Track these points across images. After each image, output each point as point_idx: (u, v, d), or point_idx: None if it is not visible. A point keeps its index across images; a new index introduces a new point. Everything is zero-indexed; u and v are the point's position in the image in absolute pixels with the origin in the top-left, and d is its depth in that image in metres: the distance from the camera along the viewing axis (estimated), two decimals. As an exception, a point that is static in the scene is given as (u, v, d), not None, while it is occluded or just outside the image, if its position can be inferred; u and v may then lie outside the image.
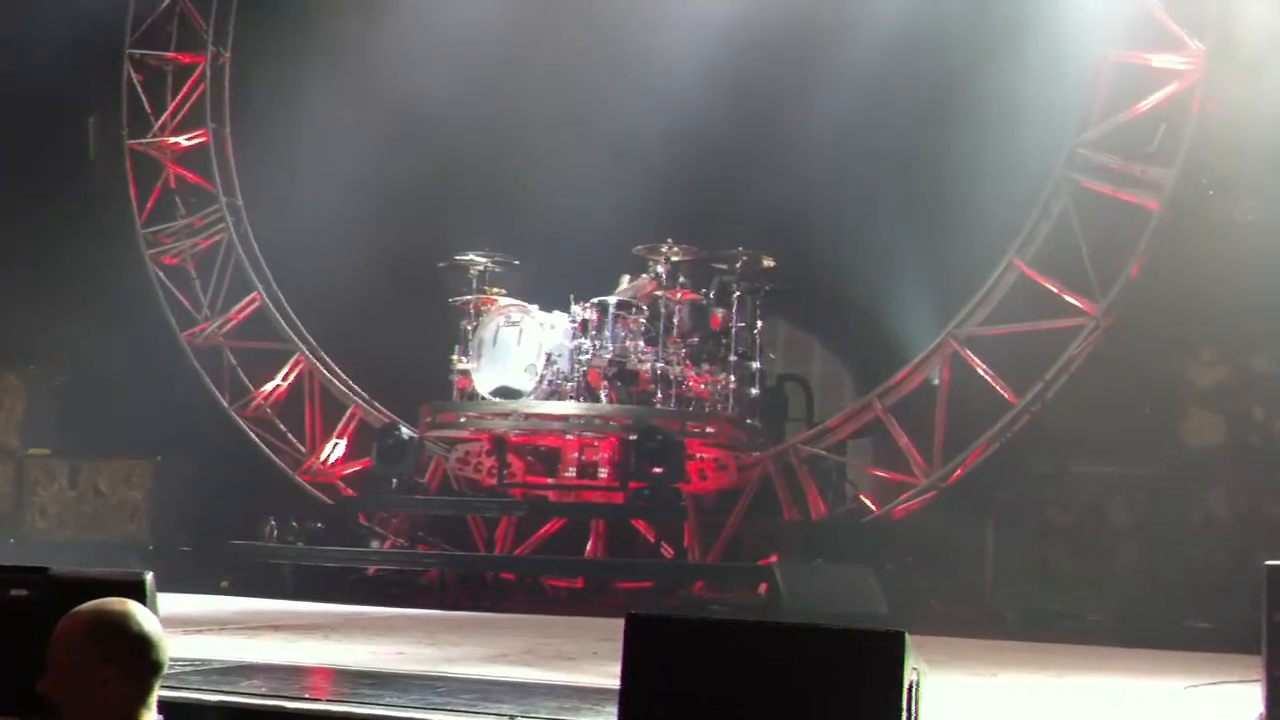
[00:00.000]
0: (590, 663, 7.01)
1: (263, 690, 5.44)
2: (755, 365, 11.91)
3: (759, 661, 3.69)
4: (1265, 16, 10.41)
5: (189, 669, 5.80)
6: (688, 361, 11.77)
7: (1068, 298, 10.95)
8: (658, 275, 11.73)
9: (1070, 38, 10.93)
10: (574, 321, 11.63)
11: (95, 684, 2.94)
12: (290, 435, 13.63)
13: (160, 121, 14.32)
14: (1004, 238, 11.27)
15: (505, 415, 11.64)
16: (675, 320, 11.71)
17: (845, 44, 12.03)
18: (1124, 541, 10.38)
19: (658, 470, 11.14)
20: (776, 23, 12.35)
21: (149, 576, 4.62)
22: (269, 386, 13.73)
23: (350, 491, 13.07)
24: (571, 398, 11.55)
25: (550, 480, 12.10)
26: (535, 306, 11.85)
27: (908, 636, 3.62)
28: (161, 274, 14.14)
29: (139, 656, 3.01)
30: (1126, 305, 10.79)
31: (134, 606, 3.08)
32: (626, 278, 12.12)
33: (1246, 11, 10.48)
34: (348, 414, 13.41)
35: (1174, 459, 10.46)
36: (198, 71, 14.27)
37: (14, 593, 4.73)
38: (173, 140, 14.27)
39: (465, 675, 6.36)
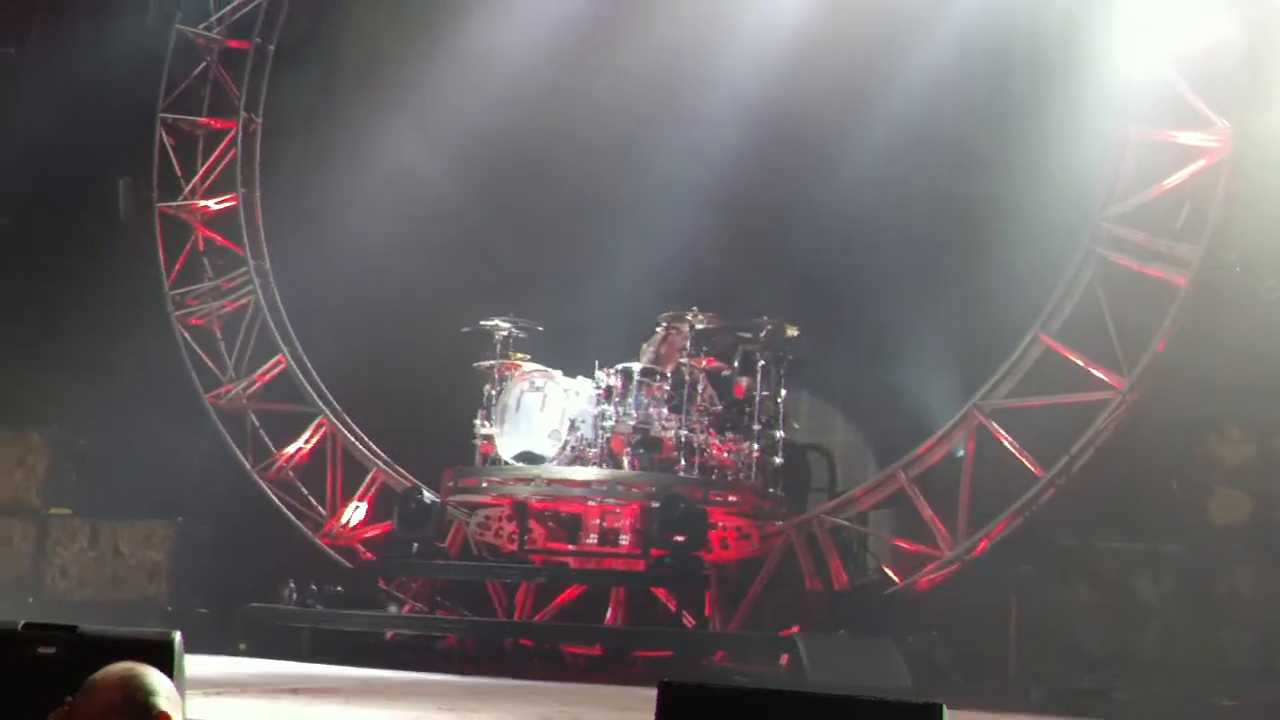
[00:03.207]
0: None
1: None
2: (779, 434, 11.88)
3: (792, 731, 3.64)
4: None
5: (211, 731, 5.76)
6: (711, 430, 11.76)
7: (1094, 371, 10.93)
8: (677, 335, 11.71)
9: (1096, 112, 10.98)
10: (598, 388, 11.64)
11: None
12: (311, 498, 13.63)
13: (191, 185, 14.45)
14: (1030, 311, 11.27)
15: (527, 481, 11.62)
16: (699, 388, 11.71)
17: (869, 119, 12.12)
18: (1150, 619, 10.28)
19: (680, 538, 11.10)
20: (801, 96, 12.46)
21: (177, 636, 4.61)
22: (291, 449, 13.75)
23: (370, 555, 13.04)
24: (594, 464, 11.54)
25: (571, 547, 12.06)
26: (559, 372, 11.87)
27: (945, 709, 3.58)
28: (188, 335, 14.21)
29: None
30: (1152, 381, 10.76)
31: (157, 675, 3.09)
32: (650, 346, 12.14)
33: (1274, 89, 10.52)
34: (369, 477, 13.41)
35: (1200, 537, 10.37)
36: (229, 136, 14.42)
37: (42, 650, 4.72)
38: (202, 204, 14.40)
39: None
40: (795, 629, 10.85)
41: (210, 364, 14.16)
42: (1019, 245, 11.25)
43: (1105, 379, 10.87)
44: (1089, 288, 11.00)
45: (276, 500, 13.57)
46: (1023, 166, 11.19)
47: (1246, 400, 10.44)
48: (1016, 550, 10.97)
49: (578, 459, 11.59)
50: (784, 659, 10.62)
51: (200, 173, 14.47)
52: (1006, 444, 11.16)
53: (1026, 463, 11.06)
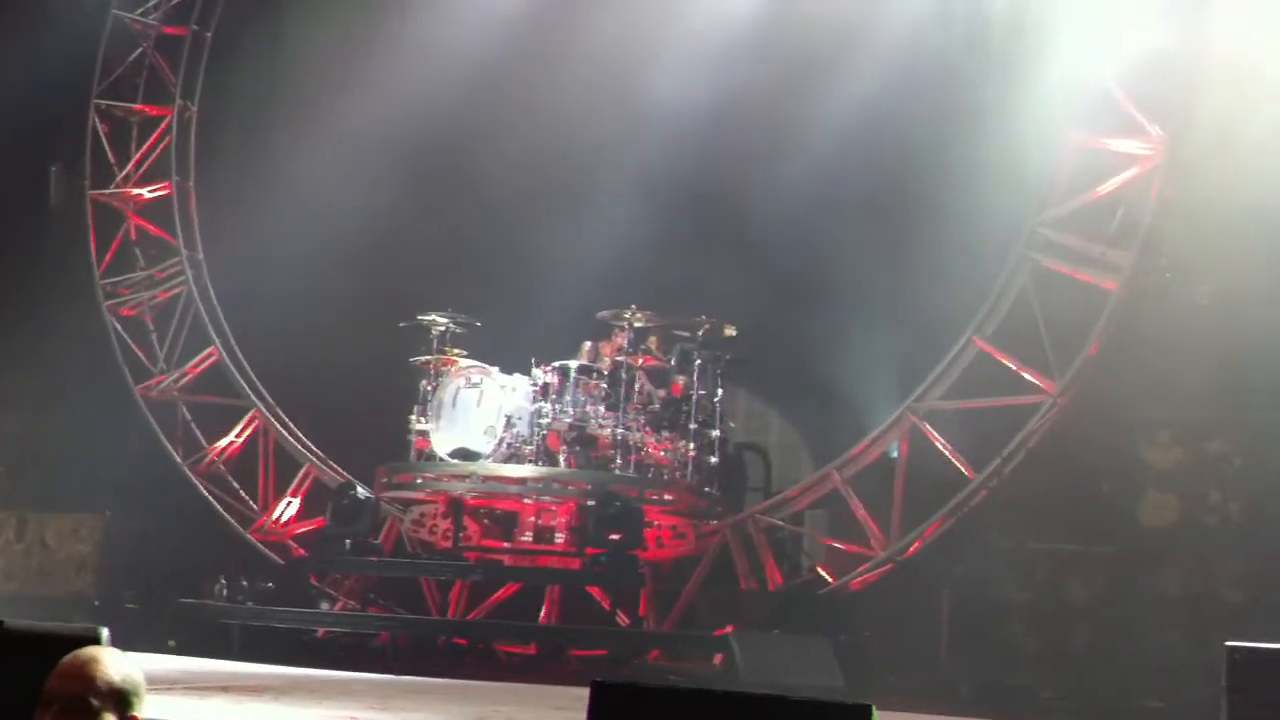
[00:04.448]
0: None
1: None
2: (715, 433, 11.90)
3: (726, 732, 3.64)
4: (1225, 104, 10.61)
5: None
6: (647, 428, 11.75)
7: (1026, 375, 11.03)
8: (616, 333, 11.71)
9: (1032, 117, 11.08)
10: (535, 385, 11.60)
11: None
12: (243, 493, 13.49)
13: (124, 172, 14.27)
14: (964, 314, 11.36)
15: (463, 477, 11.56)
16: (636, 386, 11.70)
17: (808, 121, 12.18)
18: (1080, 619, 10.41)
19: (615, 536, 11.09)
20: (741, 98, 12.50)
21: (105, 632, 4.55)
22: (223, 442, 13.60)
23: (302, 551, 12.93)
24: (530, 461, 11.50)
25: (506, 544, 12.02)
26: (496, 369, 11.82)
27: (875, 711, 3.59)
28: (118, 325, 14.03)
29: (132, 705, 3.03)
30: (1084, 384, 10.88)
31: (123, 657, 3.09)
32: (588, 343, 12.12)
33: (1206, 99, 10.67)
34: (302, 472, 13.29)
35: (1130, 539, 10.51)
36: (164, 124, 14.26)
37: (-35, 646, 4.63)
38: (135, 192, 14.21)
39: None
40: (730, 628, 10.87)
41: (141, 355, 13.98)
42: (954, 248, 11.35)
43: (1037, 382, 10.97)
44: (1022, 292, 11.11)
45: (207, 494, 13.43)
46: (959, 170, 11.28)
47: (1176, 404, 10.59)
48: (949, 551, 11.06)
49: (513, 456, 11.54)
50: (718, 658, 10.63)
51: (134, 160, 14.29)
52: (940, 445, 11.25)
53: (959, 464, 11.15)
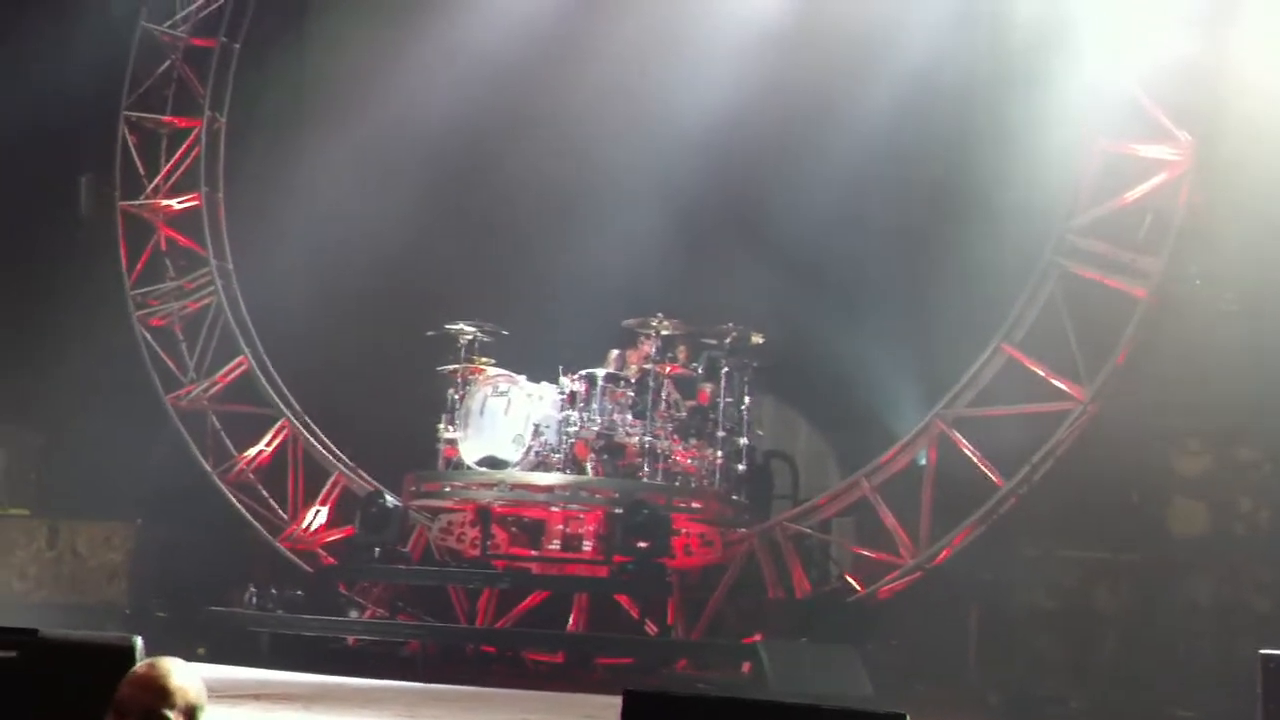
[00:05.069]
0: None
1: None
2: (742, 441, 11.89)
3: (758, 741, 3.65)
4: (1252, 110, 10.56)
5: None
6: (675, 436, 11.75)
7: (1055, 382, 10.99)
8: (643, 341, 11.72)
9: (1059, 124, 11.05)
10: (562, 393, 11.62)
11: None
12: (272, 501, 13.55)
13: (153, 184, 14.36)
14: (993, 321, 11.33)
15: (491, 486, 11.58)
16: (663, 394, 11.71)
17: (835, 129, 12.16)
18: (1109, 628, 10.36)
19: (643, 545, 11.09)
20: (768, 107, 12.49)
21: (138, 641, 4.58)
22: (252, 452, 13.66)
23: (331, 560, 12.98)
24: (558, 469, 11.52)
25: (534, 552, 12.03)
26: (523, 377, 11.84)
27: (909, 718, 3.59)
28: (148, 335, 14.11)
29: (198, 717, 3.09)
30: (1113, 392, 10.84)
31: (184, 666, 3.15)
32: (615, 351, 12.13)
33: (1234, 105, 10.62)
34: (331, 481, 13.34)
35: (1159, 547, 10.46)
36: (193, 135, 14.34)
37: (2, 654, 4.67)
38: (165, 203, 14.30)
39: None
40: (758, 637, 10.86)
41: (171, 365, 14.06)
42: (983, 256, 11.31)
43: (1066, 390, 10.93)
44: (1051, 299, 11.07)
45: (237, 503, 13.49)
46: (988, 177, 11.25)
47: (1205, 412, 10.54)
48: (977, 559, 11.03)
49: (541, 464, 11.56)
50: (746, 667, 10.62)
51: (163, 171, 14.37)
52: (968, 453, 11.22)
53: (988, 472, 11.12)
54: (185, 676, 3.09)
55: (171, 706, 3.04)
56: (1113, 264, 10.94)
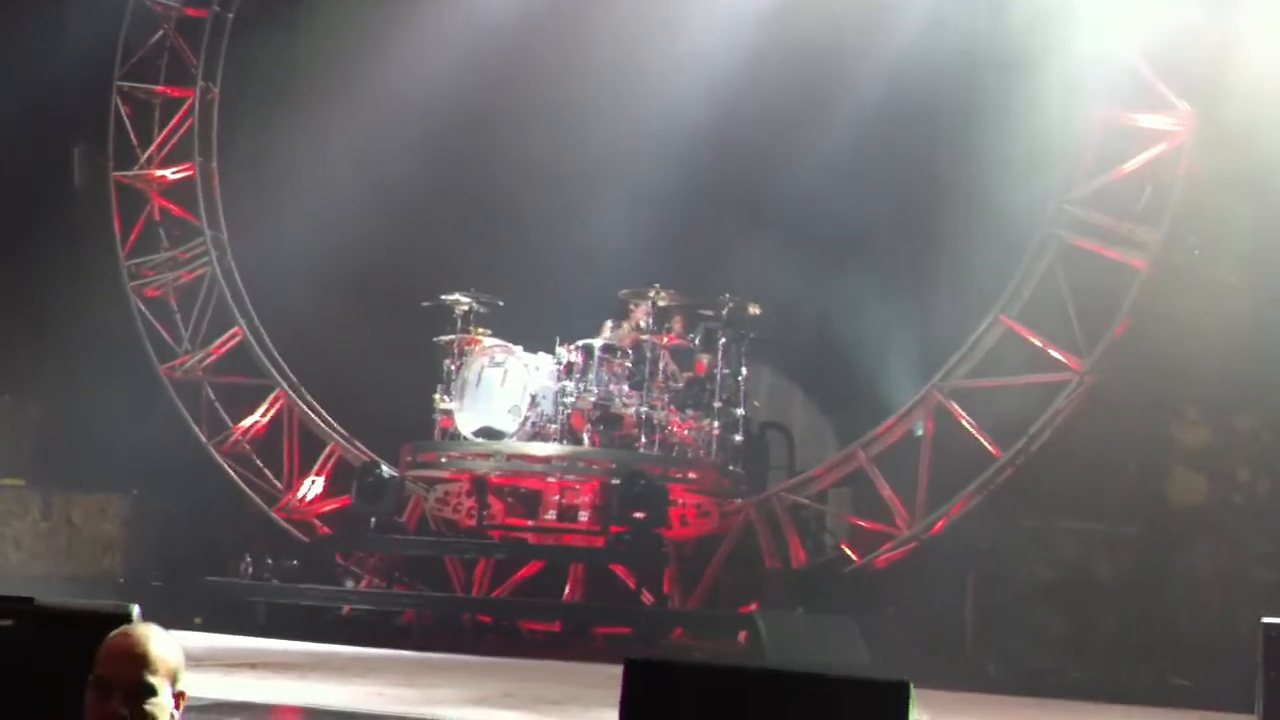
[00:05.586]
0: (576, 707, 6.92)
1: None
2: (739, 412, 11.88)
3: (760, 708, 3.62)
4: (1252, 79, 10.50)
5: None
6: (672, 407, 11.73)
7: (1053, 353, 10.97)
8: (640, 325, 11.68)
9: (1060, 94, 10.99)
10: (559, 364, 11.59)
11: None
12: (268, 472, 13.52)
13: (147, 154, 14.27)
14: (991, 292, 11.30)
15: (487, 456, 11.57)
16: (660, 365, 11.68)
17: (835, 101, 12.11)
18: (1107, 598, 10.36)
19: (639, 515, 11.08)
20: (767, 80, 12.41)
21: (135, 609, 4.55)
22: (247, 422, 13.63)
23: (327, 530, 12.96)
24: (554, 440, 11.50)
25: (530, 522, 12.03)
26: (520, 348, 11.81)
27: (912, 687, 3.56)
28: (143, 306, 14.05)
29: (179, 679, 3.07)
30: (1111, 362, 10.82)
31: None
32: (611, 322, 12.09)
33: (1234, 75, 10.56)
34: (326, 451, 13.31)
35: (1158, 517, 10.46)
36: (186, 105, 14.24)
37: (-1, 623, 4.64)
38: (159, 173, 14.22)
39: (449, 718, 6.28)
40: (754, 606, 10.86)
41: (166, 335, 14.01)
42: (980, 226, 11.26)
43: (1064, 360, 10.91)
44: (1049, 270, 11.03)
45: (232, 473, 13.46)
46: (985, 148, 11.18)
47: (1204, 383, 10.52)
48: (974, 529, 11.02)
49: (538, 435, 11.54)
50: (742, 636, 10.63)
51: (156, 142, 14.29)
52: (965, 424, 11.20)
53: (985, 442, 11.10)
54: (164, 642, 3.06)
55: (154, 673, 3.01)
56: (1111, 235, 10.91)
